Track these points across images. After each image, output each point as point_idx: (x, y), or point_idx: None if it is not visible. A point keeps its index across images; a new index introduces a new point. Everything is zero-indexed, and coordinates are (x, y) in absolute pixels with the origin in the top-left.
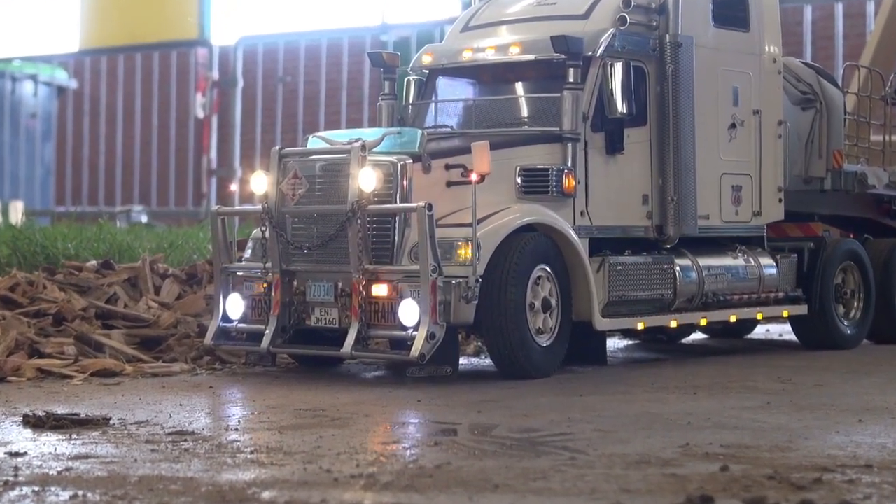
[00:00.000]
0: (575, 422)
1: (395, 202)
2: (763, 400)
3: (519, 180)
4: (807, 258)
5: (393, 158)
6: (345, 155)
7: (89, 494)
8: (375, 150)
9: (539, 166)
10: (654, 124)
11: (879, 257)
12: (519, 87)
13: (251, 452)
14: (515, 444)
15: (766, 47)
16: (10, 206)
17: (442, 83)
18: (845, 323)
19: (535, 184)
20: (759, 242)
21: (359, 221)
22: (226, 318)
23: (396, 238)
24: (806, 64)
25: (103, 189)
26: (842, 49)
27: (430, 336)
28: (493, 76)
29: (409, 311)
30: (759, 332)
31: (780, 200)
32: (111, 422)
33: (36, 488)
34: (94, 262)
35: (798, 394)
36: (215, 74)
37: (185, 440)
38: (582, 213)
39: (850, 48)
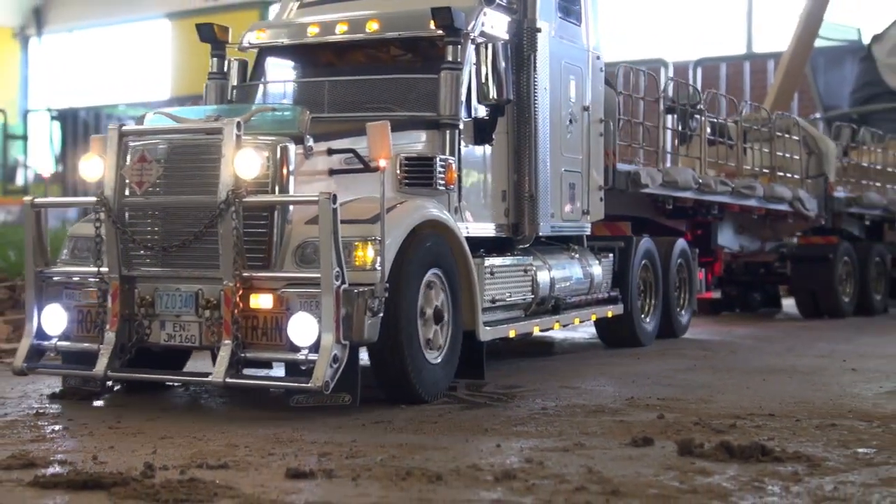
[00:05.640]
0: (546, 380)
1: (274, 192)
2: (690, 363)
3: (400, 170)
4: (618, 258)
5: (269, 140)
6: (214, 136)
7: None
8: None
9: (423, 155)
10: (511, 115)
11: (661, 256)
12: (370, 69)
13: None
14: (501, 398)
15: (594, 42)
16: None
17: (271, 64)
18: (647, 320)
19: (419, 175)
20: (579, 242)
21: (234, 216)
22: (42, 335)
23: (275, 237)
24: None
25: None
26: (749, 98)
27: (334, 360)
28: (339, 55)
29: (303, 328)
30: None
31: (601, 199)
32: None
33: None
34: None
35: (717, 359)
36: None
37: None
38: (456, 210)
39: (756, 97)
